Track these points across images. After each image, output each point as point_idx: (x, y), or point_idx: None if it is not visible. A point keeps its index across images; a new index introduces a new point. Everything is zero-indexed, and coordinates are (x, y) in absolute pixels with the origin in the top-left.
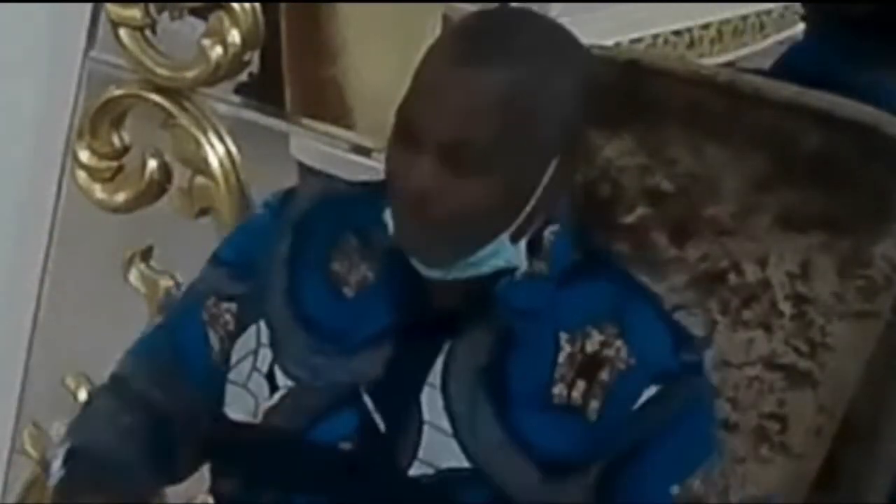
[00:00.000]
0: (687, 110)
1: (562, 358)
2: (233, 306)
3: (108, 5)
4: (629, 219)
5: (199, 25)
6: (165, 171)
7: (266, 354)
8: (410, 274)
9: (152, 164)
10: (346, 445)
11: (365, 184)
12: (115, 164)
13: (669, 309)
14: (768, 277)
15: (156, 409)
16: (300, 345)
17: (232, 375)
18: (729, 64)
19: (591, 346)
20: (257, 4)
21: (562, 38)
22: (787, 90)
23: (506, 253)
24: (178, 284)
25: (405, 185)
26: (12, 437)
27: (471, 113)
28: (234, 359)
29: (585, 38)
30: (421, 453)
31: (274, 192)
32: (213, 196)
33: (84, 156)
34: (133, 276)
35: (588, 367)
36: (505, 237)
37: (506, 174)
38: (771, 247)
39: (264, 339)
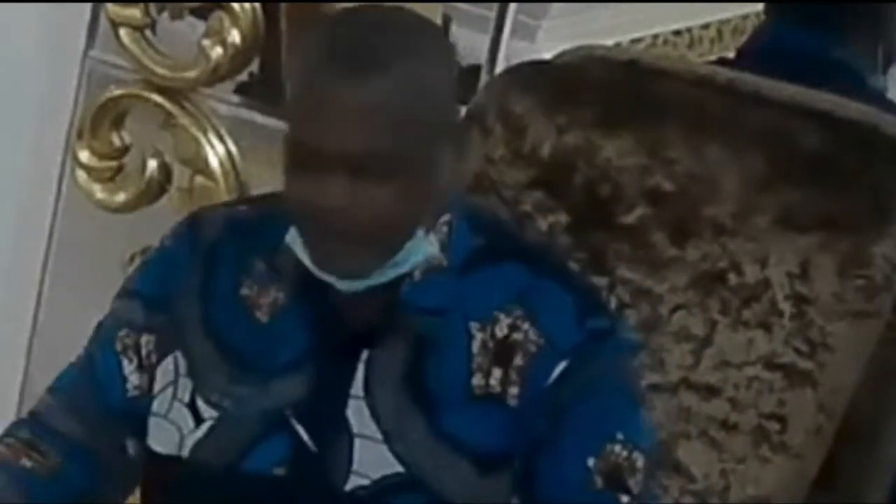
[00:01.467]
0: (687, 110)
1: (475, 348)
2: (151, 338)
3: (108, 5)
4: (629, 219)
5: (199, 25)
6: (165, 171)
7: (186, 384)
8: (320, 292)
9: (152, 164)
10: (280, 471)
11: (266, 202)
12: (115, 164)
13: (670, 309)
14: (768, 277)
15: (74, 440)
16: (220, 375)
17: (154, 407)
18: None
19: (500, 332)
20: (257, 4)
21: (427, 28)
22: (787, 90)
23: (423, 247)
24: None
25: (316, 205)
26: None
27: (369, 124)
28: (155, 390)
29: (585, 39)
30: (355, 466)
31: (180, 220)
32: (213, 196)
33: (84, 156)
34: None
35: (501, 353)
36: (420, 233)
37: (410, 173)
38: (771, 247)
39: (182, 369)
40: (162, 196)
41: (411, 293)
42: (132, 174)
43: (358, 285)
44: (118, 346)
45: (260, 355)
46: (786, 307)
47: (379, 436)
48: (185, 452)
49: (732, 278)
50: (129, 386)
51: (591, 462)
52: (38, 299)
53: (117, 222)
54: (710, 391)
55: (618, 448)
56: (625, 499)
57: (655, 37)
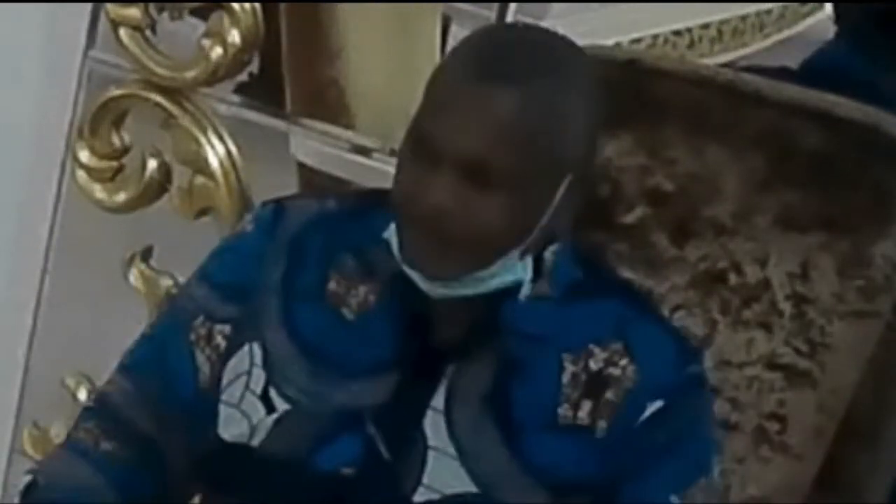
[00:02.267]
0: (687, 110)
1: (566, 379)
2: (226, 328)
3: (108, 5)
4: (629, 219)
5: (199, 25)
6: (165, 171)
7: (259, 375)
8: (414, 297)
9: (152, 164)
10: (348, 471)
11: (358, 198)
12: (115, 164)
13: (670, 309)
14: (768, 277)
15: (142, 436)
16: (298, 369)
17: (224, 396)
18: (729, 64)
19: (594, 365)
20: (257, 4)
21: (573, 56)
22: (788, 90)
23: (514, 270)
24: (177, 284)
25: (421, 201)
26: (12, 437)
27: (495, 132)
28: (225, 380)
29: (585, 39)
30: (426, 479)
31: (263, 205)
32: (213, 196)
33: (84, 156)
34: (133, 276)
35: (593, 385)
36: (515, 254)
37: (523, 192)
38: (771, 247)
39: (258, 360)
40: (162, 196)
41: (512, 314)
42: (132, 174)
43: (442, 291)
44: (192, 336)
45: (343, 353)
46: (786, 307)
47: (453, 451)
48: (256, 442)
49: (732, 278)
50: (201, 377)
51: (674, 500)
52: (38, 299)
53: (117, 222)
54: (711, 391)
55: (698, 493)
56: None
57: (655, 37)
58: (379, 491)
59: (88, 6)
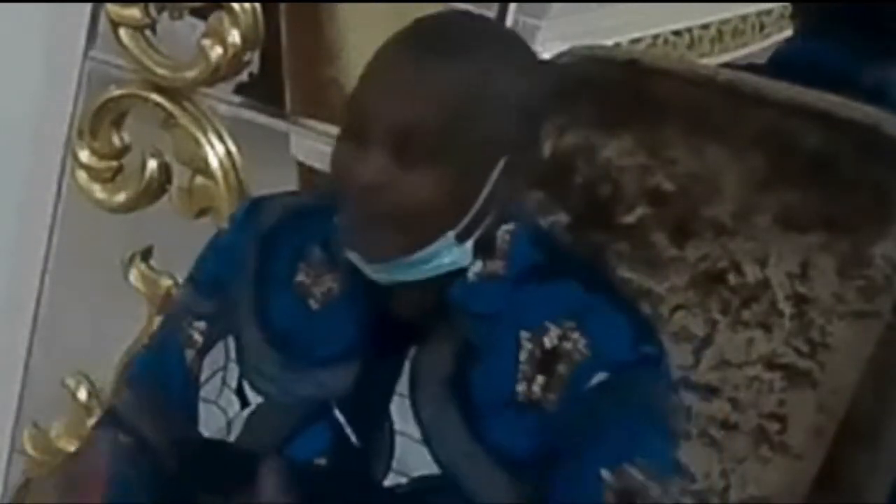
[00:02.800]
0: (687, 110)
1: (523, 357)
2: (202, 325)
3: (108, 5)
4: (629, 219)
5: (199, 25)
6: (165, 171)
7: (234, 370)
8: (372, 285)
9: (152, 164)
10: (321, 461)
11: (332, 191)
12: (115, 164)
13: (670, 309)
14: (768, 277)
15: (145, 440)
16: (268, 360)
17: (203, 392)
18: (728, 64)
19: (549, 342)
20: (257, 4)
21: (517, 46)
22: (787, 90)
23: (451, 252)
24: (178, 284)
25: (351, 178)
26: (12, 437)
27: (417, 98)
28: (203, 376)
29: (585, 39)
30: (395, 463)
31: (240, 205)
32: (213, 196)
33: (84, 156)
34: (133, 276)
35: (547, 361)
36: (451, 235)
37: (452, 168)
38: (771, 247)
39: (232, 354)
40: (162, 196)
41: (462, 295)
42: (132, 174)
43: (384, 276)
44: (182, 338)
45: (309, 343)
46: (786, 307)
47: (419, 435)
48: (233, 437)
49: (732, 278)
50: (190, 374)
51: (604, 473)
52: (38, 299)
53: (117, 222)
54: (710, 391)
55: (634, 471)
56: None
57: (655, 37)
58: (352, 479)
59: (88, 6)
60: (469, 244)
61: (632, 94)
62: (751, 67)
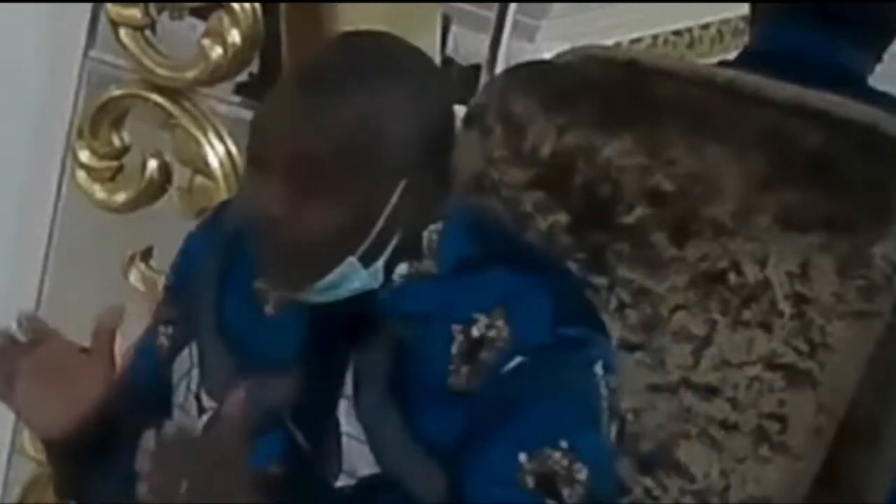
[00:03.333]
0: (687, 110)
1: (454, 349)
2: (169, 329)
3: (108, 5)
4: (629, 219)
5: (199, 25)
6: (165, 171)
7: (196, 375)
8: None
9: (152, 164)
10: (275, 469)
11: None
12: (115, 164)
13: (670, 309)
14: (768, 277)
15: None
16: (224, 365)
17: (174, 398)
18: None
19: (476, 331)
20: (257, 4)
21: (413, 64)
22: (787, 90)
23: (359, 276)
24: None
25: (251, 209)
26: (12, 437)
27: (309, 130)
28: (174, 380)
29: (585, 39)
30: (344, 465)
31: (212, 207)
32: (213, 196)
33: (84, 156)
34: (133, 276)
35: (474, 351)
36: (353, 261)
37: (347, 196)
38: (771, 247)
39: (195, 359)
40: (162, 196)
41: (390, 299)
42: (132, 174)
43: (305, 298)
44: (155, 342)
45: (262, 349)
46: (786, 307)
47: (363, 436)
48: None
49: (732, 278)
50: (164, 381)
51: (522, 457)
52: (38, 299)
53: (117, 222)
54: (710, 391)
55: (558, 455)
56: None
57: (655, 37)
58: (305, 483)
59: (88, 6)
60: (379, 264)
61: (632, 94)
62: (722, 63)
